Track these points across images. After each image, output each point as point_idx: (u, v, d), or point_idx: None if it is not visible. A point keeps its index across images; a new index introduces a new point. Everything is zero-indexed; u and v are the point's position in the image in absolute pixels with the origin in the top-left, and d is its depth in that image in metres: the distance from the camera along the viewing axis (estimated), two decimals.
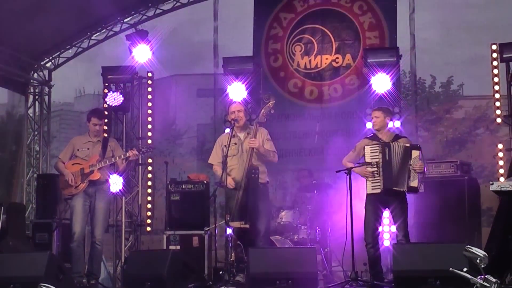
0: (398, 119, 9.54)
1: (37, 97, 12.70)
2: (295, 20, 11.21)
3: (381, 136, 7.82)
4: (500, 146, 9.76)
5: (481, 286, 4.46)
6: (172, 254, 7.57)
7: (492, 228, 7.80)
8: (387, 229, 8.79)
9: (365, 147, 7.74)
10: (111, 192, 8.82)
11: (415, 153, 7.58)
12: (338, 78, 10.89)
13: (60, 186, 8.49)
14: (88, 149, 8.31)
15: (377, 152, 7.63)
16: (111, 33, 12.44)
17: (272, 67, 11.22)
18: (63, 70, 13.15)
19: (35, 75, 12.65)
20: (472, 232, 8.83)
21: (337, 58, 10.93)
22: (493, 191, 7.00)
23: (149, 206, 10.74)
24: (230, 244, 7.63)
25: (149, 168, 10.85)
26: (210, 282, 8.22)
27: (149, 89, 10.99)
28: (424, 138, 18.00)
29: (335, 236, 8.87)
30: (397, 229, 7.67)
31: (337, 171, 7.88)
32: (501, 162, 9.64)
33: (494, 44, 9.84)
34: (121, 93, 10.69)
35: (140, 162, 10.75)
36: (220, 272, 7.87)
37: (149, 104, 10.96)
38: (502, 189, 6.89)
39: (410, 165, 7.53)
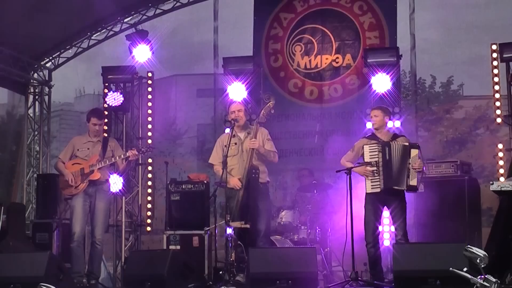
0: (398, 119, 9.54)
1: (37, 97, 12.70)
2: (295, 20, 11.22)
3: (380, 135, 7.83)
4: (500, 146, 9.76)
5: (481, 286, 4.45)
6: (172, 254, 7.58)
7: (492, 228, 7.81)
8: (387, 229, 8.79)
9: (364, 146, 7.74)
10: (111, 192, 8.83)
11: (414, 152, 7.59)
12: (338, 78, 10.90)
13: (60, 186, 8.50)
14: (88, 149, 8.31)
15: (376, 151, 7.64)
16: (111, 33, 12.43)
17: (272, 67, 11.22)
18: (63, 70, 13.15)
19: (35, 75, 12.64)
20: (472, 232, 8.82)
21: (337, 58, 10.94)
22: (493, 191, 7.00)
23: (149, 206, 10.74)
24: (230, 244, 7.62)
25: (149, 168, 10.85)
26: (210, 282, 8.22)
27: (149, 89, 10.99)
28: (424, 138, 17.97)
29: (335, 236, 8.86)
30: (396, 228, 7.67)
31: (337, 171, 7.88)
32: (501, 162, 9.64)
33: (494, 44, 9.83)
34: (121, 93, 10.69)
35: (140, 162, 10.75)
36: (220, 272, 7.88)
37: (149, 104, 10.96)
38: (502, 189, 6.90)
39: (409, 164, 7.54)
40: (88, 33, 12.45)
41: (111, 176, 8.46)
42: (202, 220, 9.35)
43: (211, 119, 14.49)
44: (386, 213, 7.97)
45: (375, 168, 7.59)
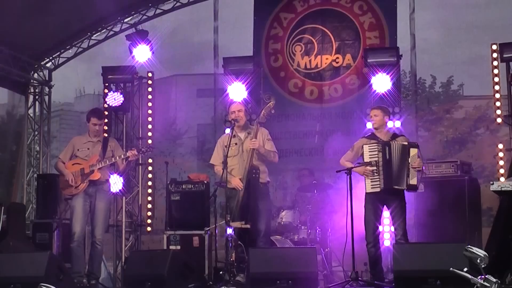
0: (398, 119, 9.55)
1: (37, 97, 12.70)
2: (295, 20, 11.22)
3: (379, 135, 7.84)
4: (500, 146, 9.76)
5: (482, 286, 4.45)
6: (172, 254, 7.58)
7: (493, 228, 7.81)
8: (388, 229, 8.79)
9: (364, 146, 7.75)
10: (111, 192, 8.83)
11: (413, 151, 7.60)
12: (338, 78, 10.90)
13: (60, 186, 8.50)
14: (88, 149, 8.31)
15: (376, 151, 7.65)
16: (111, 33, 12.43)
17: (272, 67, 11.22)
18: (63, 70, 13.15)
19: (35, 75, 12.64)
20: (472, 232, 8.82)
21: (337, 58, 10.94)
22: (493, 191, 7.01)
23: (149, 206, 10.74)
24: (231, 244, 7.62)
25: (150, 168, 10.85)
26: (211, 282, 8.22)
27: (149, 89, 10.99)
28: (425, 138, 17.97)
29: (335, 236, 8.86)
30: (396, 228, 7.67)
31: (337, 171, 7.89)
32: (501, 162, 9.64)
33: (494, 44, 9.84)
34: (121, 93, 10.69)
35: (140, 162, 10.75)
36: (221, 272, 7.87)
37: (149, 104, 10.96)
38: (503, 189, 6.90)
39: (409, 163, 7.55)
40: (88, 33, 12.45)
41: (111, 176, 8.46)
42: (202, 220, 9.35)
43: (211, 119, 14.49)
44: (386, 213, 7.97)
45: (374, 168, 7.60)
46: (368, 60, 9.89)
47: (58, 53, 12.67)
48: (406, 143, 7.72)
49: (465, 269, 4.64)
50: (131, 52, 11.06)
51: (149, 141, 10.68)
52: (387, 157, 7.59)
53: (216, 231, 9.15)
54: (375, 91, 9.72)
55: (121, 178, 9.48)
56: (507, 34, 10.88)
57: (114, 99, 10.62)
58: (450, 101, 20.41)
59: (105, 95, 10.75)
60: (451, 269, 4.69)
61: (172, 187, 9.60)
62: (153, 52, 11.11)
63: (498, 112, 9.76)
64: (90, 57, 13.68)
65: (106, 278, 9.95)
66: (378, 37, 10.78)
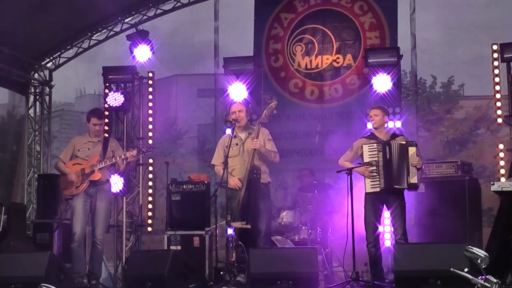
0: (399, 119, 9.56)
1: (37, 97, 12.71)
2: (295, 20, 11.22)
3: (379, 135, 7.84)
4: (501, 146, 9.75)
5: (482, 286, 4.46)
6: (173, 254, 7.57)
7: (493, 228, 7.81)
8: (388, 229, 8.78)
9: (363, 146, 7.76)
10: (112, 192, 8.83)
11: (411, 150, 7.61)
12: (339, 78, 10.90)
13: (60, 186, 8.49)
14: (89, 149, 8.31)
15: (375, 151, 7.65)
16: (111, 33, 12.43)
17: (273, 67, 11.22)
18: (63, 70, 13.16)
19: (36, 75, 12.65)
20: (473, 232, 8.82)
21: (338, 58, 10.94)
22: (494, 191, 7.02)
23: (150, 206, 10.74)
24: (231, 244, 7.62)
25: (150, 168, 10.85)
26: (211, 282, 8.23)
27: (150, 89, 10.99)
28: (425, 138, 17.98)
29: (336, 236, 8.87)
30: (396, 228, 7.66)
31: (338, 171, 7.89)
32: (502, 162, 9.64)
33: (495, 44, 9.83)
34: (121, 93, 10.68)
35: (141, 162, 10.75)
36: (221, 272, 7.89)
37: (150, 104, 10.96)
38: (503, 189, 6.91)
39: (408, 162, 7.55)
40: (89, 33, 12.45)
41: (111, 176, 8.47)
42: (202, 220, 9.35)
43: (211, 119, 14.51)
44: (386, 213, 7.97)
45: (374, 168, 7.60)
46: (369, 60, 9.89)
47: (59, 53, 12.67)
48: (404, 142, 7.73)
49: (466, 269, 4.64)
50: (131, 52, 11.06)
51: (150, 141, 10.68)
52: (388, 156, 7.59)
53: (217, 231, 9.15)
54: (375, 91, 9.73)
55: (122, 178, 9.47)
56: (507, 34, 10.87)
57: (115, 99, 10.62)
58: (451, 101, 20.41)
59: (106, 95, 10.75)
60: (451, 269, 4.70)
61: (172, 187, 9.60)
62: (153, 52, 11.10)
63: (499, 112, 9.76)
64: (91, 57, 13.70)
65: (107, 278, 9.94)
66: (378, 37, 10.78)
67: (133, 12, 12.15)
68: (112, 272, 10.45)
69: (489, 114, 16.00)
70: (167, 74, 19.04)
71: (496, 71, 9.81)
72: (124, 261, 10.16)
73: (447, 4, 16.19)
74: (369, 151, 7.69)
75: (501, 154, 9.68)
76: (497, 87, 9.79)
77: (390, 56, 9.92)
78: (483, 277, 4.50)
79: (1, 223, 9.78)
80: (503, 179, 9.09)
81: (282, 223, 9.28)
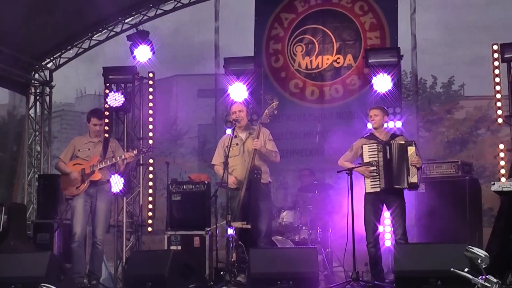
0: (399, 120, 9.56)
1: (38, 97, 12.71)
2: (296, 21, 11.22)
3: (379, 135, 7.85)
4: (501, 146, 9.75)
5: (482, 286, 4.46)
6: (173, 254, 7.57)
7: (493, 228, 7.80)
8: (388, 229, 8.78)
9: (363, 146, 7.76)
10: (112, 192, 8.82)
11: (411, 149, 7.62)
12: (339, 79, 10.90)
13: (61, 186, 8.49)
14: (89, 149, 8.31)
15: (375, 151, 7.66)
16: (112, 33, 12.43)
17: (273, 67, 11.22)
18: (64, 71, 13.16)
19: (36, 75, 12.64)
20: (473, 232, 8.82)
21: (338, 58, 10.93)
22: (494, 191, 7.02)
23: (150, 206, 10.74)
24: (231, 245, 7.62)
25: (150, 168, 10.85)
26: (211, 283, 8.23)
27: (150, 89, 10.99)
28: (425, 138, 17.99)
29: (336, 236, 8.87)
30: (397, 228, 7.66)
31: (338, 172, 7.90)
32: (502, 163, 9.64)
33: (495, 44, 9.83)
34: (122, 94, 10.68)
35: (141, 162, 10.76)
36: (221, 273, 7.88)
37: (150, 104, 10.95)
38: (503, 189, 6.92)
39: (408, 161, 7.56)
40: (89, 34, 12.45)
41: (112, 176, 8.47)
42: (203, 221, 9.35)
43: (212, 120, 14.50)
44: (386, 213, 7.97)
45: (374, 168, 7.60)
46: (369, 61, 9.89)
47: (59, 53, 12.67)
48: (403, 142, 7.74)
49: (466, 270, 4.64)
50: (132, 52, 11.06)
51: (150, 142, 10.67)
52: (388, 156, 7.60)
53: (217, 232, 9.14)
54: (376, 91, 9.73)
55: (122, 178, 9.48)
56: (508, 34, 10.87)
57: (115, 99, 10.61)
58: (451, 102, 20.42)
59: (106, 95, 10.75)
60: (452, 269, 4.69)
61: (173, 187, 9.60)
62: (153, 53, 11.10)
63: (499, 112, 9.76)
64: (91, 58, 13.71)
65: (107, 279, 9.93)
66: (379, 37, 10.78)
67: (134, 13, 12.15)
68: (113, 272, 10.45)
69: (490, 114, 16.02)
70: (168, 75, 19.07)
71: (497, 71, 9.81)
72: (124, 261, 10.15)
73: (447, 4, 16.21)
74: (369, 151, 7.70)
75: (502, 154, 9.68)
76: (498, 87, 9.79)
77: (390, 56, 9.92)
78: (484, 277, 4.50)
79: (2, 223, 9.78)
80: (503, 179, 9.09)
81: (283, 223, 9.28)
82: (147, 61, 11.07)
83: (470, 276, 4.55)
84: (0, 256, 8.07)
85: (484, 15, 16.35)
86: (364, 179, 7.68)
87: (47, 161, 12.52)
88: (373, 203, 7.64)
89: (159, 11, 12.18)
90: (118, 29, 12.34)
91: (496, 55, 9.77)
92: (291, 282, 6.90)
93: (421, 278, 6.56)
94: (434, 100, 20.86)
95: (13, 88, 13.33)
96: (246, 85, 10.26)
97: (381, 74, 9.68)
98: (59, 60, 12.78)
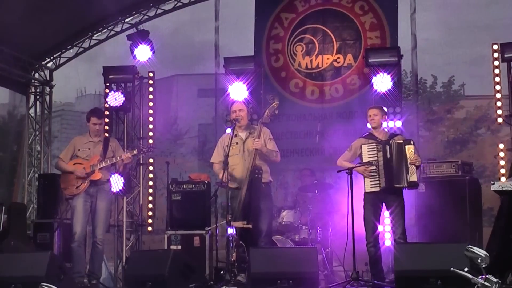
0: (399, 119, 9.57)
1: (38, 97, 12.72)
2: (296, 20, 11.22)
3: (377, 134, 7.86)
4: (501, 146, 9.75)
5: (482, 286, 4.46)
6: (173, 254, 7.57)
7: (493, 228, 7.80)
8: (388, 229, 8.79)
9: (362, 146, 7.77)
10: (112, 192, 8.82)
11: (409, 148, 7.62)
12: (339, 78, 10.90)
13: (61, 186, 8.48)
14: (89, 149, 8.31)
15: (375, 150, 7.66)
16: (112, 33, 12.43)
17: (273, 67, 11.22)
18: (64, 70, 13.16)
19: (36, 75, 12.65)
20: (473, 232, 8.82)
21: (338, 58, 10.94)
22: (494, 191, 7.02)
23: (150, 206, 10.74)
24: (231, 244, 7.62)
25: (150, 168, 10.85)
26: (211, 282, 8.22)
27: (150, 89, 10.99)
28: (425, 138, 17.96)
29: (336, 236, 8.87)
30: (396, 228, 7.67)
31: (338, 171, 7.90)
32: (502, 162, 9.64)
33: (495, 44, 9.84)
34: (122, 93, 10.68)
35: (141, 162, 10.76)
36: (221, 272, 7.88)
37: (150, 104, 10.96)
38: (503, 189, 6.92)
39: (407, 160, 7.56)
40: (89, 33, 12.45)
41: (112, 176, 8.46)
42: (203, 220, 9.35)
43: (212, 119, 14.50)
44: (386, 213, 7.97)
45: (374, 167, 7.61)
46: (369, 60, 9.90)
47: (59, 53, 12.68)
48: (401, 141, 7.74)
49: (466, 269, 4.64)
50: (132, 52, 11.07)
51: (150, 141, 10.68)
52: (388, 156, 7.60)
53: (217, 231, 9.15)
54: (376, 91, 9.73)
55: (122, 178, 9.48)
56: (508, 34, 10.87)
57: (115, 99, 10.62)
58: (451, 101, 20.39)
59: (106, 95, 10.75)
60: (452, 269, 4.69)
61: (173, 187, 9.60)
62: (154, 52, 11.11)
63: (499, 112, 9.76)
64: (91, 57, 13.71)
65: (107, 278, 9.94)
66: (379, 37, 10.78)
67: (134, 12, 12.15)
68: (113, 271, 10.45)
69: (490, 114, 16.00)
70: (168, 74, 19.04)
71: (497, 71, 9.81)
72: (124, 260, 10.16)
73: (447, 4, 16.18)
74: (368, 151, 7.70)
75: (502, 154, 9.68)
76: (498, 87, 9.79)
77: (390, 56, 9.93)
78: (484, 276, 4.50)
79: (2, 223, 9.79)
80: (503, 179, 9.09)
81: (283, 223, 9.29)
82: (147, 60, 11.08)
83: (470, 276, 4.55)
84: (0, 256, 8.07)
85: (484, 14, 16.33)
86: (364, 178, 7.69)
87: (47, 161, 12.53)
88: (373, 202, 7.65)
89: (159, 11, 12.18)
90: (118, 28, 12.35)
91: (496, 55, 9.78)
92: (291, 281, 6.90)
93: (421, 278, 6.56)
94: (434, 99, 20.83)
95: (13, 87, 13.33)
96: (246, 85, 10.26)
97: (381, 73, 9.69)
98: (59, 59, 12.79)
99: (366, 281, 7.65)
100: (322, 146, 10.60)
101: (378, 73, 9.72)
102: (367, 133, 8.05)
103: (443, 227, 8.82)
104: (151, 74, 11.01)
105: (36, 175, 12.24)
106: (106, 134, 9.46)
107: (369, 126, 8.40)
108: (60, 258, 8.71)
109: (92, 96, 26.23)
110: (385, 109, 8.89)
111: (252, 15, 11.47)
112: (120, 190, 9.73)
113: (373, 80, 9.78)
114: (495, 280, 4.47)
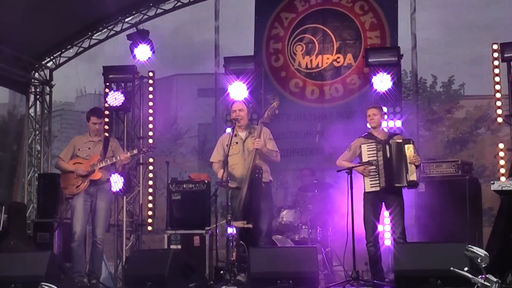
0: (399, 119, 9.57)
1: (38, 96, 12.72)
2: (296, 20, 11.22)
3: (377, 134, 7.86)
4: (501, 145, 9.75)
5: (482, 285, 4.46)
6: (173, 253, 7.57)
7: (493, 227, 7.81)
8: (388, 229, 8.79)
9: (362, 145, 7.77)
10: (112, 191, 8.82)
11: (408, 148, 7.63)
12: (339, 78, 10.90)
13: (61, 185, 8.49)
14: (89, 148, 8.31)
15: (374, 150, 7.67)
16: (112, 32, 12.43)
17: (273, 66, 11.22)
18: (64, 70, 13.16)
19: (36, 74, 12.65)
20: (473, 232, 8.82)
21: (338, 58, 10.94)
22: (494, 190, 7.02)
23: (150, 205, 10.75)
24: (231, 244, 7.62)
25: (150, 167, 10.85)
26: (211, 282, 8.22)
27: (150, 88, 10.99)
28: (425, 137, 17.96)
29: (336, 235, 8.88)
30: (396, 227, 7.67)
31: (338, 171, 7.90)
32: (502, 162, 9.64)
33: (495, 43, 9.83)
34: (122, 93, 10.68)
35: (141, 161, 10.76)
36: (221, 272, 7.87)
37: (150, 103, 10.96)
38: (503, 188, 6.92)
39: (406, 160, 7.56)
40: (89, 33, 12.45)
41: (112, 175, 8.46)
42: (203, 220, 9.35)
43: (212, 119, 14.50)
44: (386, 213, 7.97)
45: (374, 167, 7.61)
46: (369, 60, 9.90)
47: (59, 52, 12.67)
48: (400, 140, 7.74)
49: (466, 269, 4.64)
50: (132, 51, 11.07)
51: (150, 141, 10.68)
52: (388, 155, 7.60)
53: (217, 231, 9.15)
54: (376, 90, 9.74)
55: (122, 177, 9.48)
56: (508, 34, 10.86)
57: (115, 98, 10.62)
58: (451, 101, 20.38)
59: (106, 94, 10.75)
60: (451, 268, 4.69)
61: (173, 186, 9.61)
62: (153, 52, 11.11)
63: (499, 112, 9.76)
64: (91, 57, 13.71)
65: (107, 278, 9.94)
66: (379, 37, 10.78)
67: (134, 12, 12.15)
68: (113, 271, 10.45)
69: (490, 114, 15.99)
70: (168, 74, 19.04)
71: (497, 71, 9.81)
72: (124, 260, 10.16)
73: (447, 4, 16.17)
74: (368, 151, 7.71)
75: (501, 154, 9.68)
76: (498, 87, 9.79)
77: (390, 55, 9.93)
78: (483, 276, 4.50)
79: (2, 222, 9.79)
80: (503, 179, 9.09)
81: (282, 223, 9.29)
82: (147, 60, 11.08)
83: (470, 276, 4.55)
84: (0, 255, 8.07)
85: (484, 14, 16.33)
86: (363, 178, 7.69)
87: (47, 160, 12.53)
88: (373, 202, 7.65)
89: (159, 11, 12.18)
90: (118, 28, 12.34)
91: (496, 55, 9.78)
92: (291, 281, 6.91)
93: (421, 277, 6.56)
94: (434, 99, 20.83)
95: (13, 87, 13.33)
96: (246, 85, 10.26)
97: (381, 73, 9.69)
98: (59, 59, 12.79)
99: (366, 280, 7.65)
100: (322, 146, 10.58)
101: (378, 72, 9.72)
102: (366, 133, 8.05)
103: (443, 227, 8.83)
104: (151, 74, 11.01)
105: (36, 174, 12.24)
106: (106, 134, 9.45)
107: (368, 126, 8.40)
108: (60, 257, 8.71)
109: (92, 95, 26.22)
110: (385, 108, 8.94)
111: (252, 15, 11.47)
112: (120, 189, 9.73)
113: (373, 80, 9.78)
114: (495, 280, 4.47)
